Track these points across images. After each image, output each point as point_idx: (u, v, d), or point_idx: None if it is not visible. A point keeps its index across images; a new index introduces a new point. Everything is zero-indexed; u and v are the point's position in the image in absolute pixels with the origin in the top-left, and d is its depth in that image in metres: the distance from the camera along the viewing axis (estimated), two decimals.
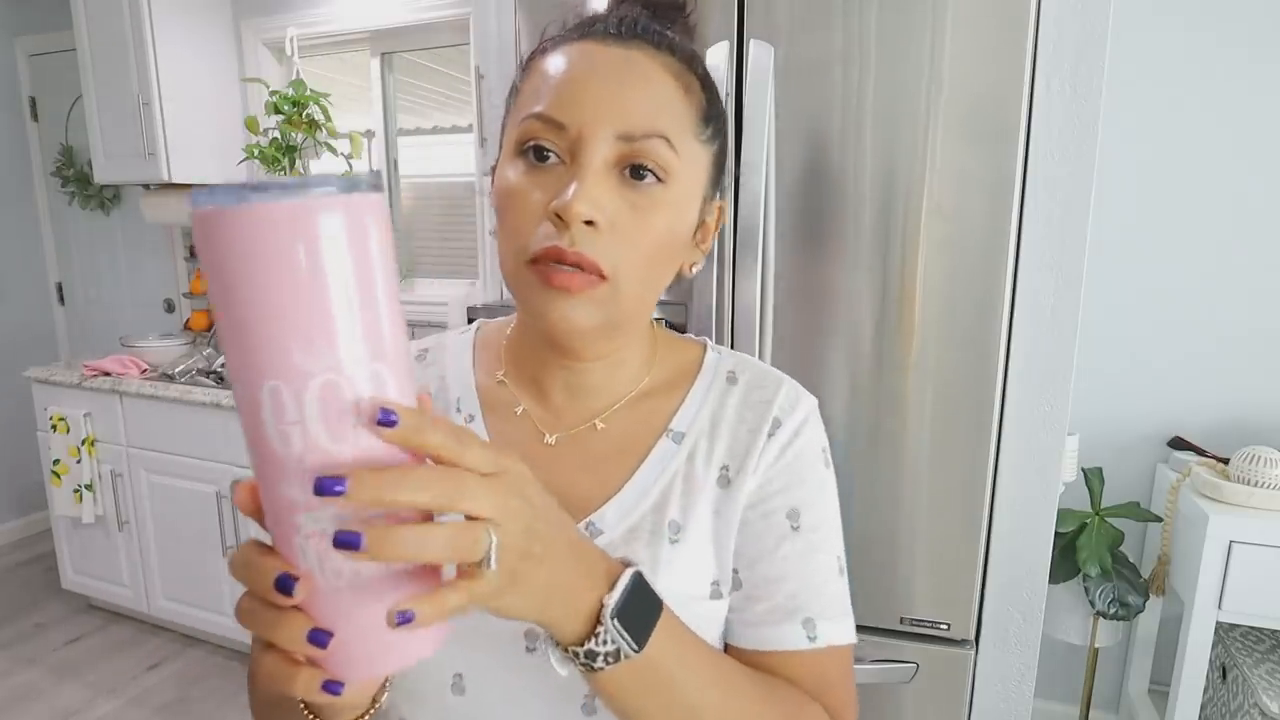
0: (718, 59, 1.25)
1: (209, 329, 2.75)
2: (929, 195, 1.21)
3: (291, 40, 2.57)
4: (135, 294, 3.21)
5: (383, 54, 2.62)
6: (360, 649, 0.33)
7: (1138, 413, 1.93)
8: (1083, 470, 1.77)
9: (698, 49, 0.56)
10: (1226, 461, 1.69)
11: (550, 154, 0.50)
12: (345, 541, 0.30)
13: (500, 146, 0.55)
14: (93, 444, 2.51)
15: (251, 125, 2.59)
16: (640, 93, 0.50)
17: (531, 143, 0.50)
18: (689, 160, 0.51)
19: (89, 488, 2.52)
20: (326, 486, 0.30)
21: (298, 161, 2.59)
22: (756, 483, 0.56)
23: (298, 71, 2.55)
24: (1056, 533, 1.42)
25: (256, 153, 2.53)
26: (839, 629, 0.56)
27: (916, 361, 1.26)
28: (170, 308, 3.12)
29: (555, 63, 0.51)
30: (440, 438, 0.33)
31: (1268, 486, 1.57)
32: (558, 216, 0.48)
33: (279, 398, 0.29)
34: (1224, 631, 1.75)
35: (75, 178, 3.18)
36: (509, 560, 0.35)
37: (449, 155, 2.63)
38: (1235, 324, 1.83)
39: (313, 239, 0.29)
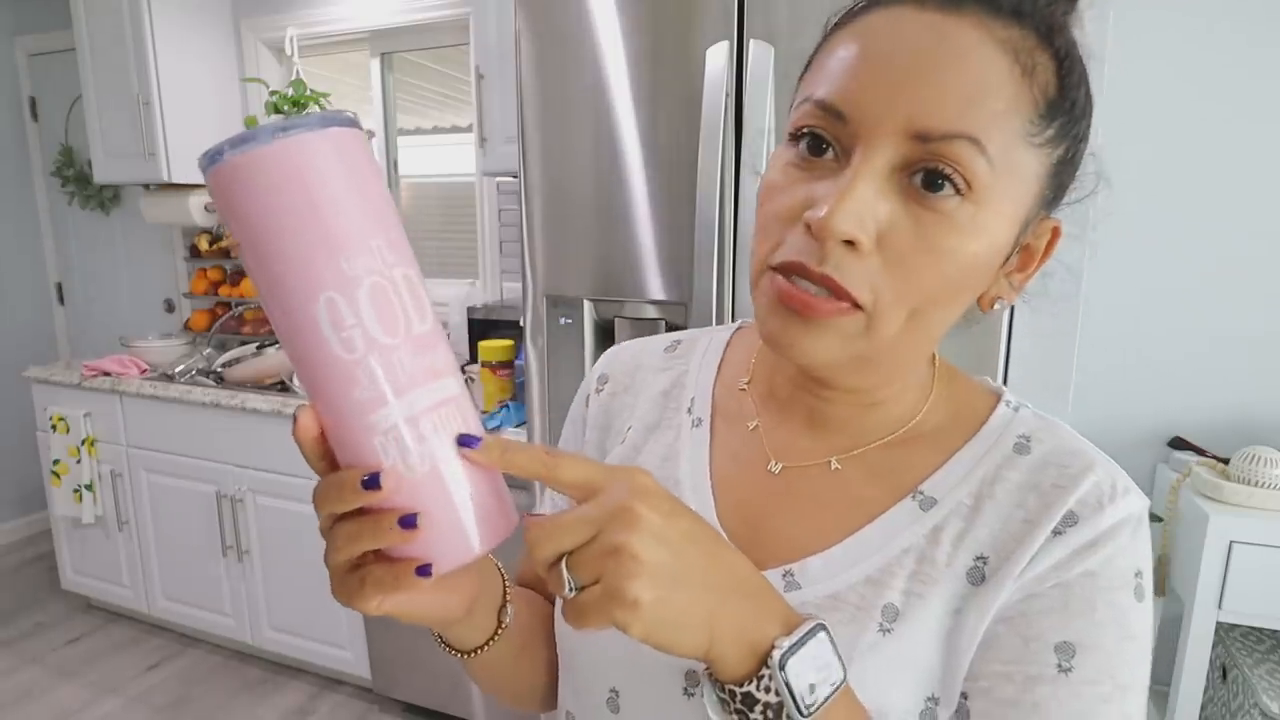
0: (718, 59, 1.25)
1: (209, 329, 2.75)
2: None
3: (291, 40, 2.57)
4: (135, 294, 3.21)
5: (382, 54, 2.62)
6: (450, 530, 0.35)
7: (1138, 413, 1.92)
8: None
9: (1066, 17, 0.42)
10: (1226, 461, 1.69)
11: (829, 146, 0.41)
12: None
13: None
14: (93, 444, 2.51)
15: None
16: (949, 78, 0.38)
17: (807, 128, 0.41)
18: (1008, 169, 0.39)
19: (89, 488, 2.52)
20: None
21: None
22: (1022, 591, 0.43)
23: (298, 71, 2.54)
24: None
25: None
26: None
27: None
28: (170, 308, 3.12)
29: (854, 33, 0.41)
30: (525, 459, 0.35)
31: (1268, 486, 1.57)
32: (810, 229, 0.39)
33: (335, 307, 0.32)
34: (1224, 631, 1.75)
35: (75, 178, 3.18)
36: (625, 569, 0.33)
37: (449, 155, 2.63)
38: (1235, 324, 1.83)
39: (356, 155, 0.34)
